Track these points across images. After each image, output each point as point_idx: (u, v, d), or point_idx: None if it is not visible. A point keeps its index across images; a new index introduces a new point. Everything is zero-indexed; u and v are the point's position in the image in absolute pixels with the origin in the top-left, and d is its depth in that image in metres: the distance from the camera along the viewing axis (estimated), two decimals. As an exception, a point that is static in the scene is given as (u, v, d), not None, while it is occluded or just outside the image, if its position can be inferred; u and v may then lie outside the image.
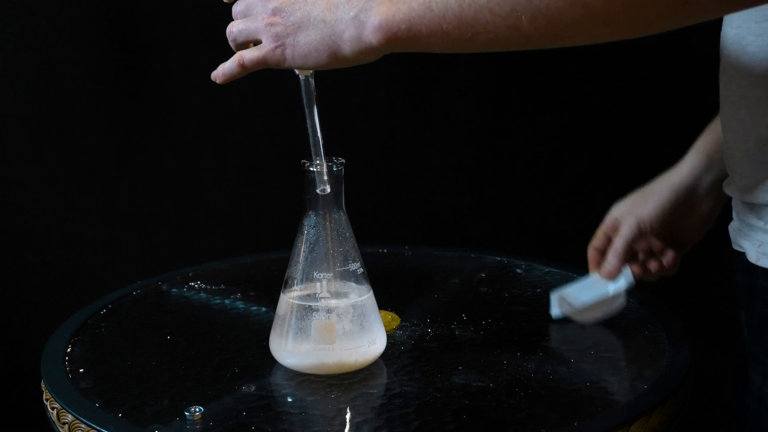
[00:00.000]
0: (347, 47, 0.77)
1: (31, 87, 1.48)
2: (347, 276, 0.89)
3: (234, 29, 0.83)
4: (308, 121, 0.86)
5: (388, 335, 0.92)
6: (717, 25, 1.49)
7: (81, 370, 0.90)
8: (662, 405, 0.82)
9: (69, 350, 0.94)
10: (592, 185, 1.58)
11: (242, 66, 0.82)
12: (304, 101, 0.86)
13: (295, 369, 0.88)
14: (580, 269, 1.15)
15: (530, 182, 1.62)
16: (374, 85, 1.56)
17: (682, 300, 1.55)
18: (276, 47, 0.79)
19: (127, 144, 1.54)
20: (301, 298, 0.88)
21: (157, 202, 1.56)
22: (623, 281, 1.01)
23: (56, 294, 1.52)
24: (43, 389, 0.88)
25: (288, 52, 0.79)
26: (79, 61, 1.48)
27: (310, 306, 0.87)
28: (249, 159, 1.58)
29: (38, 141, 1.50)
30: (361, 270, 0.89)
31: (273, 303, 1.07)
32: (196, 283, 1.14)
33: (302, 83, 0.85)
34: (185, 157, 1.55)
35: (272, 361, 0.91)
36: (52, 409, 0.84)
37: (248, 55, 0.82)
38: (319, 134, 0.86)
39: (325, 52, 0.78)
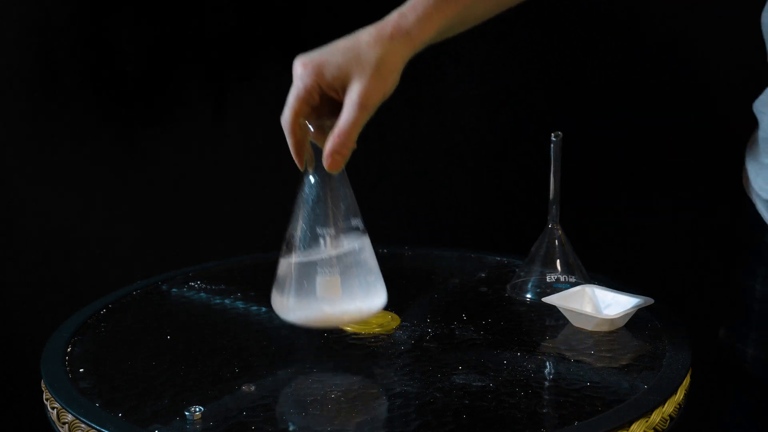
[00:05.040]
0: None
1: (30, 86, 1.48)
2: (349, 232, 0.89)
3: None
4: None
5: (388, 335, 0.92)
6: (716, 27, 1.49)
7: (81, 370, 0.90)
8: (662, 405, 0.82)
9: (69, 350, 0.94)
10: (592, 186, 1.58)
11: None
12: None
13: (300, 324, 0.88)
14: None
15: (530, 182, 1.61)
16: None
17: (682, 300, 1.55)
18: None
19: (127, 144, 1.54)
20: (303, 254, 0.88)
21: (157, 202, 1.55)
22: None
23: (56, 294, 1.52)
24: (43, 389, 0.88)
25: None
26: (79, 60, 1.48)
27: (313, 261, 0.87)
28: (249, 159, 1.58)
29: (38, 141, 1.50)
30: (362, 226, 0.89)
31: (273, 303, 1.07)
32: (196, 283, 1.14)
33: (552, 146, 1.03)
34: (185, 156, 1.55)
35: (272, 361, 0.91)
36: (52, 409, 0.84)
37: None
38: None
39: None
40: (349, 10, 1.42)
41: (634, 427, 0.79)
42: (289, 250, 0.89)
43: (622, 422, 0.78)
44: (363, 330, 0.98)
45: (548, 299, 1.02)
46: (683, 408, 0.86)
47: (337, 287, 0.87)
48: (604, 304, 1.02)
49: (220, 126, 1.56)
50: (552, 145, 1.05)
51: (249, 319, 1.04)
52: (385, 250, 1.25)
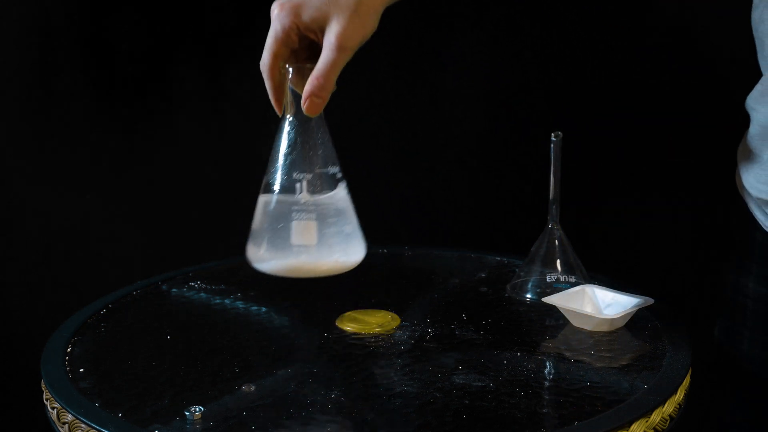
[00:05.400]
0: None
1: (30, 86, 1.48)
2: (326, 179, 0.87)
3: None
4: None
5: (388, 335, 0.92)
6: (717, 27, 1.48)
7: (81, 370, 0.90)
8: (662, 405, 0.82)
9: (69, 350, 0.94)
10: (592, 186, 1.58)
11: None
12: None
13: (274, 273, 0.86)
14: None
15: (530, 182, 1.62)
16: (374, 84, 1.56)
17: (682, 300, 1.55)
18: None
19: (127, 143, 1.54)
20: (279, 200, 0.86)
21: (157, 202, 1.56)
22: None
23: (56, 294, 1.52)
24: (43, 389, 0.88)
25: None
26: (79, 60, 1.48)
27: (288, 207, 0.85)
28: (249, 158, 1.58)
29: (38, 141, 1.50)
30: (340, 174, 0.87)
31: (273, 303, 1.07)
32: (196, 283, 1.14)
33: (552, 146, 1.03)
34: (185, 156, 1.55)
35: (272, 361, 0.91)
36: (52, 409, 0.84)
37: None
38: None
39: None
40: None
41: (634, 427, 0.79)
42: (265, 196, 0.87)
43: (622, 422, 0.78)
44: (363, 330, 0.98)
45: (548, 299, 1.02)
46: (683, 408, 0.86)
47: (313, 233, 0.84)
48: (604, 304, 1.02)
49: (221, 125, 1.56)
50: (552, 145, 1.05)
51: (249, 319, 1.04)
52: (385, 250, 1.25)
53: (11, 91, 1.47)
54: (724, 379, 1.12)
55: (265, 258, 0.86)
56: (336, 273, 0.87)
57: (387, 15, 1.56)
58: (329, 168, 0.87)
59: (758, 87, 0.98)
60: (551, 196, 1.07)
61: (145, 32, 1.51)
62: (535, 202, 1.60)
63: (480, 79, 1.57)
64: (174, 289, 1.12)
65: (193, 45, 1.53)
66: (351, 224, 0.88)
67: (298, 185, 0.86)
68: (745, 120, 1.03)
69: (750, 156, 1.00)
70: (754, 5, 0.98)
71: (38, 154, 1.50)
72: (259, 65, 0.85)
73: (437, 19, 1.55)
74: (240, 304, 1.07)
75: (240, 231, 1.63)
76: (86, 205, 1.53)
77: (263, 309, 1.05)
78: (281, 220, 0.85)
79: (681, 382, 0.86)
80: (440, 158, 1.60)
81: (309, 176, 0.86)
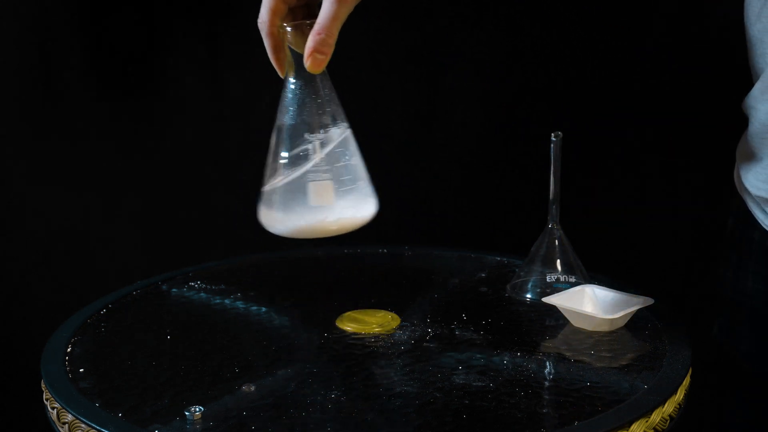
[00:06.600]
0: None
1: (31, 84, 1.48)
2: (336, 136, 0.86)
3: None
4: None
5: (388, 335, 0.92)
6: (717, 27, 1.49)
7: (81, 370, 0.90)
8: (662, 405, 0.82)
9: (69, 350, 0.94)
10: (592, 186, 1.58)
11: None
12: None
13: (293, 236, 0.86)
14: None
15: (530, 182, 1.62)
16: (374, 84, 1.56)
17: (682, 300, 1.55)
18: None
19: (127, 143, 1.54)
20: (291, 162, 0.85)
21: (157, 202, 1.56)
22: None
23: (56, 294, 1.52)
24: (43, 389, 0.88)
25: None
26: (79, 58, 1.48)
27: (303, 168, 0.84)
28: (249, 158, 1.57)
29: (38, 140, 1.50)
30: (349, 130, 0.87)
31: (273, 303, 1.07)
32: (196, 283, 1.14)
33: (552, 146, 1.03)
34: (186, 156, 1.55)
35: (272, 361, 0.91)
36: (52, 409, 0.84)
37: None
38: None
39: None
40: None
41: (634, 427, 0.79)
42: (275, 159, 0.86)
43: (622, 422, 0.78)
44: (363, 330, 0.98)
45: (548, 299, 1.02)
46: (683, 408, 0.86)
47: (330, 193, 0.84)
48: (604, 304, 1.02)
49: (221, 125, 1.56)
50: (552, 145, 1.05)
51: (249, 319, 1.04)
52: (385, 250, 1.25)
53: (11, 91, 1.47)
54: (724, 379, 1.12)
55: (281, 220, 0.85)
56: (352, 229, 0.86)
57: (386, 15, 1.57)
58: (339, 125, 0.86)
59: (758, 85, 0.98)
60: (551, 196, 1.07)
61: (145, 32, 1.51)
62: (535, 202, 1.60)
63: (480, 79, 1.57)
64: (174, 289, 1.12)
65: (193, 46, 1.53)
66: (363, 179, 0.87)
67: (309, 146, 0.85)
68: (744, 119, 1.03)
69: (750, 155, 1.00)
70: (749, 1, 0.98)
71: (38, 154, 1.50)
72: (257, 23, 0.84)
73: (437, 19, 1.55)
74: (240, 304, 1.07)
75: (240, 231, 1.63)
76: (86, 204, 1.53)
77: (263, 309, 1.05)
78: (295, 182, 0.84)
79: (681, 382, 0.86)
80: (440, 158, 1.60)
81: (319, 135, 0.85)
